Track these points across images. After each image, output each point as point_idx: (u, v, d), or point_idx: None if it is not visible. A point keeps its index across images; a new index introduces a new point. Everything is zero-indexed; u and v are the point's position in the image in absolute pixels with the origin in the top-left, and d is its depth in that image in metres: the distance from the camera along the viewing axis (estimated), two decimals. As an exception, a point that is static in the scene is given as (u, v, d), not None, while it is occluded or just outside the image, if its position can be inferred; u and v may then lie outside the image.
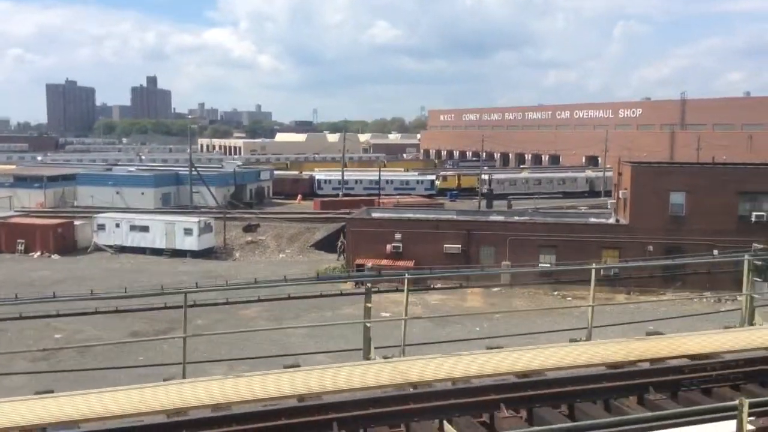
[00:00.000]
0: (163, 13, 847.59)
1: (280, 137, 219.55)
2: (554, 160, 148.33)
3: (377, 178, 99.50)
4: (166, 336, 30.80)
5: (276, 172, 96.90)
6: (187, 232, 52.97)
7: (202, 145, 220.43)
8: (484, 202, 73.99)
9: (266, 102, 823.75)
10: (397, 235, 45.58)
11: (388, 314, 39.86)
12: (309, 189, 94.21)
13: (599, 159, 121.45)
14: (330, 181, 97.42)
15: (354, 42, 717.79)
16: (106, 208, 71.46)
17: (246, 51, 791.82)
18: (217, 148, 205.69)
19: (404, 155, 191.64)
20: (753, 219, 43.07)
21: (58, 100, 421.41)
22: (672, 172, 44.52)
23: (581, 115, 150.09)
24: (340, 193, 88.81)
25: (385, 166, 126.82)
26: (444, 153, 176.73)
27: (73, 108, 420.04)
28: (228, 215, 57.97)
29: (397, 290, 42.74)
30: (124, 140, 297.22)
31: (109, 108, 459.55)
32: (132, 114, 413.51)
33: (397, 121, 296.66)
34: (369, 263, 44.75)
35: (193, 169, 77.57)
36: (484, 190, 79.52)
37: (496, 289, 45.10)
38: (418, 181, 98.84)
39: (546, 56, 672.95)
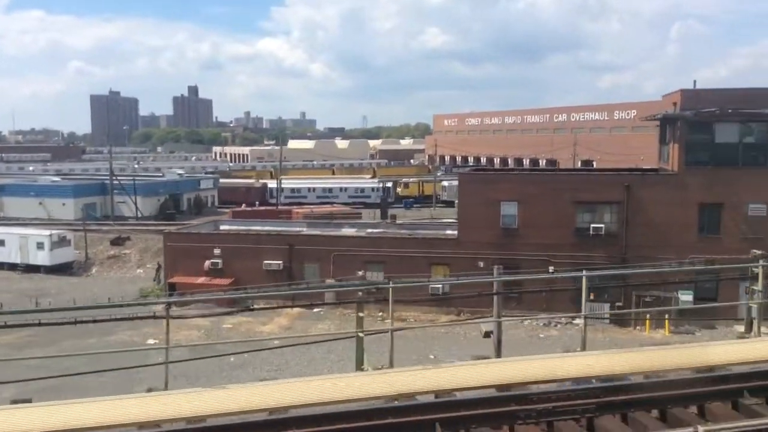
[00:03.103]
0: (217, 24, 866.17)
1: (292, 144, 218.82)
2: (551, 164, 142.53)
3: (330, 186, 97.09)
4: None
5: (223, 180, 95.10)
6: (39, 246, 51.20)
7: (216, 153, 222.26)
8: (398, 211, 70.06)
9: (316, 110, 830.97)
10: (216, 251, 42.64)
11: (154, 341, 37.00)
12: (261, 197, 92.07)
13: (594, 163, 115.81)
14: (283, 189, 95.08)
15: (405, 48, 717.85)
16: (29, 219, 71.20)
17: (297, 59, 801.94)
18: (227, 156, 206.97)
19: (411, 161, 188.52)
20: (591, 232, 38.42)
21: (101, 110, 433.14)
22: (502, 180, 40.14)
23: (578, 118, 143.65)
24: (277, 201, 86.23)
25: (333, 173, 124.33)
26: (447, 158, 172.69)
27: (116, 118, 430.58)
28: (88, 228, 55.95)
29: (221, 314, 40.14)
30: (159, 149, 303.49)
31: (157, 118, 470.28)
32: (175, 124, 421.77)
33: (422, 127, 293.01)
34: (182, 281, 41.97)
35: (115, 179, 76.32)
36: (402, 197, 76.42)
37: (317, 309, 41.59)
38: (373, 189, 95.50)
39: (601, 59, 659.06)
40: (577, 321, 39.86)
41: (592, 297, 39.49)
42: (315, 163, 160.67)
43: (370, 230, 47.02)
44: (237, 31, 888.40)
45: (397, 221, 56.79)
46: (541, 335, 36.68)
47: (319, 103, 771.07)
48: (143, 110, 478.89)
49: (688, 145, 36.93)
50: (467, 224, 40.06)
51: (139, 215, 75.87)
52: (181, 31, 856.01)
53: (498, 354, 14.41)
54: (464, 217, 40.22)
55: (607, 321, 38.99)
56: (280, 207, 75.31)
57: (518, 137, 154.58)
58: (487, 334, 14.84)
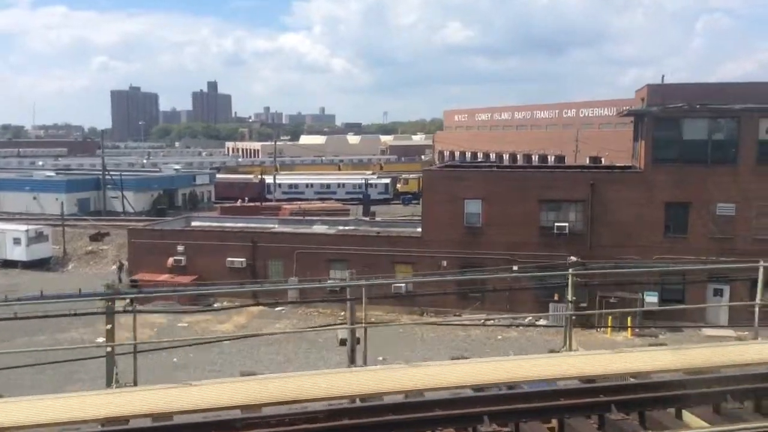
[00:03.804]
0: (240, 18, 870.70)
1: (303, 140, 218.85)
2: (560, 160, 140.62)
3: (328, 182, 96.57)
4: None
5: (220, 176, 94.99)
6: (16, 241, 51.25)
7: (229, 149, 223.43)
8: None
9: (337, 105, 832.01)
10: (180, 248, 42.23)
11: (103, 340, 36.59)
12: (259, 193, 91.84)
13: (602, 159, 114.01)
14: (281, 185, 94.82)
15: (427, 43, 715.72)
16: (19, 213, 71.69)
17: (319, 55, 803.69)
18: (239, 152, 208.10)
19: (423, 157, 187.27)
20: (555, 230, 37.35)
21: (122, 106, 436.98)
22: (466, 177, 39.12)
23: (586, 114, 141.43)
24: (261, 198, 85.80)
25: (339, 169, 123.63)
26: (457, 154, 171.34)
27: (136, 113, 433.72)
28: (66, 223, 55.90)
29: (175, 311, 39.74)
30: (176, 144, 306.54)
31: (178, 113, 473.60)
32: (195, 119, 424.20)
33: (438, 122, 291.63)
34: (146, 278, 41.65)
35: (107, 173, 76.52)
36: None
37: (279, 308, 41.00)
38: (372, 185, 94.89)
39: (625, 53, 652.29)
40: (541, 321, 38.95)
41: (556, 297, 38.49)
42: (324, 158, 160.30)
43: (341, 228, 46.34)
44: (259, 25, 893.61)
45: (377, 218, 56.08)
46: (499, 336, 35.74)
47: (339, 98, 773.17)
48: (166, 105, 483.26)
49: (655, 142, 35.71)
50: (431, 222, 39.22)
51: (131, 210, 76.13)
52: (204, 26, 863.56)
53: (351, 362, 13.63)
54: (428, 214, 39.40)
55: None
56: (270, 203, 74.83)
57: (528, 133, 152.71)
58: (342, 342, 14.05)
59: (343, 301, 40.70)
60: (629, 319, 35.59)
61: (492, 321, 36.38)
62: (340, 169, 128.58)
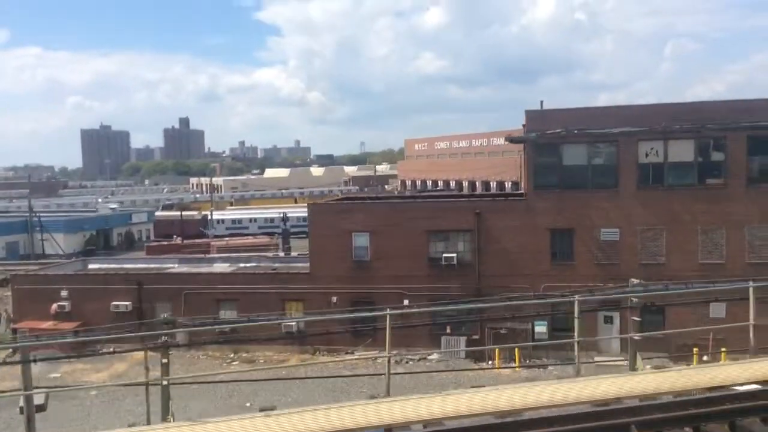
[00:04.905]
0: (214, 55, 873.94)
1: (268, 173, 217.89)
2: (516, 186, 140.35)
3: (271, 216, 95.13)
4: None
5: (159, 213, 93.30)
6: None
7: (193, 184, 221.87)
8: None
9: (313, 138, 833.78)
10: (64, 293, 40.56)
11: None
12: (202, 230, 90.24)
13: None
14: (224, 221, 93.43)
15: (401, 74, 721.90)
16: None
17: (294, 88, 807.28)
18: (203, 186, 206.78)
19: (386, 186, 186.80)
20: (443, 262, 36.20)
21: (92, 145, 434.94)
22: (353, 209, 38.00)
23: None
24: (211, 234, 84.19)
25: (296, 202, 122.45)
26: (419, 183, 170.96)
27: (107, 152, 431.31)
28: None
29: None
30: (146, 181, 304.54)
31: (151, 150, 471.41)
32: (167, 155, 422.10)
33: (403, 152, 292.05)
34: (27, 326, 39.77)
35: (34, 215, 74.79)
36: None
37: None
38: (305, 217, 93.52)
39: (595, 79, 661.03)
40: (433, 356, 37.60)
41: (449, 330, 37.24)
42: (284, 192, 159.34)
43: (241, 265, 44.92)
44: (233, 61, 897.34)
45: (294, 253, 54.74)
46: (383, 374, 34.21)
47: (315, 130, 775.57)
48: (140, 143, 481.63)
49: (536, 168, 34.88)
50: (319, 257, 37.94)
51: (61, 253, 74.30)
52: (177, 63, 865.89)
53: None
54: (316, 249, 38.11)
55: (463, 356, 36.72)
56: (199, 241, 73.14)
57: (485, 159, 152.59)
58: (21, 410, 12.56)
59: (230, 342, 39.23)
60: (516, 351, 34.40)
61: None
62: (296, 202, 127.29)
